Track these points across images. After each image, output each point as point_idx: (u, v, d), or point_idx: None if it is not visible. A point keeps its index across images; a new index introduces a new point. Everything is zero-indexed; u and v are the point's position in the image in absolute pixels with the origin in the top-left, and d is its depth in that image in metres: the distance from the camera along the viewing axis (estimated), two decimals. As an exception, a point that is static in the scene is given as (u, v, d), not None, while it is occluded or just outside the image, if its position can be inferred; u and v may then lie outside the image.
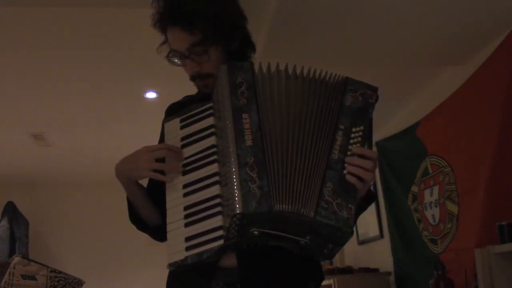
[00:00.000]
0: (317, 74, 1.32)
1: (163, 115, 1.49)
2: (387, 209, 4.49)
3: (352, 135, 1.24)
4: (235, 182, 1.15)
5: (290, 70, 1.32)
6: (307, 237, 1.19)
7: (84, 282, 3.54)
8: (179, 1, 1.33)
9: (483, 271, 2.72)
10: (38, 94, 4.07)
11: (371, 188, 1.37)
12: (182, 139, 1.35)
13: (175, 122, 1.40)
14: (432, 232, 3.78)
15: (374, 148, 4.52)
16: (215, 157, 1.27)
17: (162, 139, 1.45)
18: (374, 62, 3.51)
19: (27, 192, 6.42)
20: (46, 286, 3.29)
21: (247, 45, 1.44)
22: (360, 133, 1.24)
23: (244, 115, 1.23)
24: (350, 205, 1.17)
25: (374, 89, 1.31)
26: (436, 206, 3.74)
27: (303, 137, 1.24)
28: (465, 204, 3.40)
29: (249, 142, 1.20)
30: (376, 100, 1.30)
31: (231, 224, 1.15)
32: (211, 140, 1.30)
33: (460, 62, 3.53)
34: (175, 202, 1.29)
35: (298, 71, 1.32)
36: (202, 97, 1.42)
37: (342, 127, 1.25)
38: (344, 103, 1.28)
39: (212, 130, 1.31)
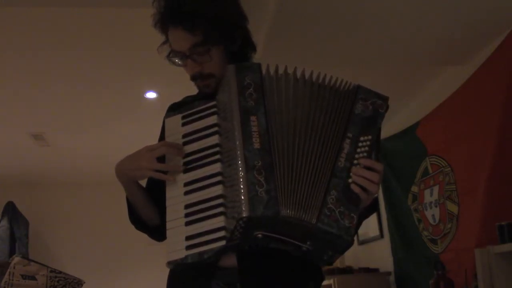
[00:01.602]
0: (327, 80, 1.31)
1: (163, 115, 1.48)
2: (387, 209, 4.49)
3: (360, 144, 1.24)
4: (242, 185, 1.15)
5: (298, 73, 1.31)
6: (308, 243, 1.20)
7: (84, 282, 3.54)
8: (180, 1, 1.33)
9: (483, 271, 2.72)
10: (38, 94, 4.07)
11: (377, 200, 1.36)
12: (184, 136, 1.34)
13: (177, 119, 1.38)
14: (432, 232, 3.78)
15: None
16: (218, 156, 1.27)
17: (162, 135, 1.44)
18: (374, 62, 3.51)
19: (27, 192, 6.42)
20: (46, 286, 3.29)
21: (248, 45, 1.44)
22: (368, 143, 1.24)
23: (252, 117, 1.22)
24: (352, 214, 1.17)
25: (385, 99, 1.31)
26: (436, 206, 3.74)
27: (310, 142, 1.24)
28: (465, 204, 3.40)
29: (257, 145, 1.19)
30: (386, 109, 1.30)
31: (236, 227, 1.14)
32: (214, 139, 1.29)
33: (460, 62, 3.53)
34: (176, 200, 1.28)
35: (307, 75, 1.31)
36: (203, 98, 1.41)
37: (350, 135, 1.24)
38: (354, 111, 1.27)
39: (216, 129, 1.30)
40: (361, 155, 1.23)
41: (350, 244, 1.18)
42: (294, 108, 1.27)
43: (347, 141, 1.24)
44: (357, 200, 1.19)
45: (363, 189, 1.20)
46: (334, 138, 1.24)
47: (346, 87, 1.31)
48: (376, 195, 1.25)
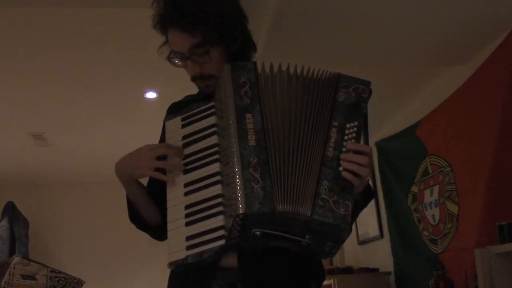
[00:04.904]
0: (314, 73, 1.32)
1: (163, 115, 1.49)
2: (387, 209, 4.49)
3: (347, 131, 1.24)
4: (238, 182, 1.15)
5: (291, 70, 1.32)
6: (307, 236, 1.19)
7: (84, 282, 3.55)
8: (179, 2, 1.33)
9: (483, 271, 2.72)
10: (38, 94, 4.07)
11: (371, 186, 1.37)
12: (184, 137, 1.35)
13: (177, 121, 1.40)
14: (432, 232, 3.78)
15: (373, 147, 4.49)
16: (216, 156, 1.28)
17: (163, 138, 1.45)
18: (374, 62, 3.51)
19: (27, 192, 6.42)
20: (46, 286, 3.30)
21: (248, 45, 1.44)
22: (355, 129, 1.24)
23: (248, 115, 1.23)
24: (347, 202, 1.17)
25: (367, 84, 1.31)
26: (436, 206, 3.74)
27: (301, 136, 1.24)
28: (465, 204, 3.39)
29: (252, 143, 1.20)
30: (370, 94, 1.30)
31: (233, 225, 1.14)
32: (213, 139, 1.30)
33: (460, 62, 3.53)
34: (176, 201, 1.29)
35: (298, 71, 1.32)
36: (203, 97, 1.42)
37: (336, 124, 1.25)
38: (337, 100, 1.28)
39: (214, 129, 1.31)
40: (348, 142, 1.23)
41: (348, 232, 1.18)
42: (288, 104, 1.27)
43: (334, 129, 1.24)
44: (350, 187, 1.19)
45: (355, 174, 1.20)
46: (321, 129, 1.25)
47: (328, 77, 1.32)
48: (368, 178, 1.25)
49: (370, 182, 1.32)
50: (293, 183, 1.19)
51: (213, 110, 1.34)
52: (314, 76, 1.32)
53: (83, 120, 4.66)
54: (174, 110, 1.47)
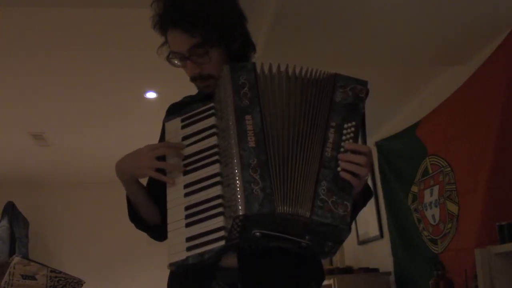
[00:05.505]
0: (312, 73, 1.32)
1: (163, 115, 1.49)
2: (387, 209, 4.49)
3: (344, 131, 1.24)
4: (238, 183, 1.15)
5: (290, 71, 1.32)
6: (307, 237, 1.20)
7: (84, 282, 3.55)
8: (179, 3, 1.33)
9: (483, 271, 2.72)
10: (38, 94, 4.07)
11: (371, 186, 1.37)
12: (183, 139, 1.35)
13: (176, 122, 1.40)
14: (432, 232, 3.78)
15: (373, 147, 4.49)
16: (216, 157, 1.28)
17: (162, 139, 1.45)
18: (374, 62, 3.51)
19: (27, 192, 6.42)
20: (46, 286, 3.30)
21: (247, 46, 1.44)
22: (352, 129, 1.25)
23: (247, 116, 1.23)
24: (345, 202, 1.17)
25: (364, 83, 1.31)
26: (436, 206, 3.74)
27: (300, 137, 1.24)
28: (465, 204, 3.39)
29: (252, 144, 1.20)
30: (367, 94, 1.30)
31: (233, 226, 1.15)
32: (213, 140, 1.30)
33: (460, 62, 3.53)
34: (176, 202, 1.29)
35: (297, 72, 1.32)
36: (202, 98, 1.42)
37: (333, 124, 1.25)
38: (334, 100, 1.28)
39: (214, 130, 1.31)
40: (346, 142, 1.23)
41: (347, 232, 1.18)
42: (287, 106, 1.28)
43: (331, 130, 1.24)
44: (349, 187, 1.19)
45: (353, 174, 1.20)
46: (319, 130, 1.25)
47: (325, 77, 1.32)
48: (367, 177, 1.25)
49: (370, 182, 1.32)
50: (292, 184, 1.19)
51: (212, 111, 1.34)
52: (312, 76, 1.32)
53: (83, 120, 4.66)
54: (173, 111, 1.47)
